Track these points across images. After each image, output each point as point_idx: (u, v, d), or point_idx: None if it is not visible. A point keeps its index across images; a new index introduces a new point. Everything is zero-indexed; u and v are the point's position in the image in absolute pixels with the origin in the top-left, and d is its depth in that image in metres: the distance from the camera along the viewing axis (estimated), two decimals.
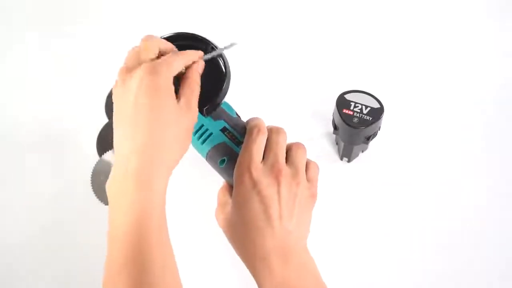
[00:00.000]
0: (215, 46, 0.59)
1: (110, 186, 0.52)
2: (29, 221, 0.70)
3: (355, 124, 0.67)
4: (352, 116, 0.68)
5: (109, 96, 0.81)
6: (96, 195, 0.73)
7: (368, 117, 0.68)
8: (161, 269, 0.49)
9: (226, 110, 0.61)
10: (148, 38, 0.55)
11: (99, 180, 0.74)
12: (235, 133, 0.59)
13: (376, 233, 0.70)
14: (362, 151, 0.76)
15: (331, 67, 0.84)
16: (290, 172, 0.55)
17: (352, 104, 0.69)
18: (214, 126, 0.59)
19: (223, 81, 0.58)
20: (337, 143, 0.76)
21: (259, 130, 0.56)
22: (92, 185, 0.74)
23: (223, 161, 0.58)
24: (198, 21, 0.89)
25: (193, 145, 0.62)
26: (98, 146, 0.78)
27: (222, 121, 0.60)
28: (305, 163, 0.57)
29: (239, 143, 0.58)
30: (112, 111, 0.80)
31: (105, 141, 0.78)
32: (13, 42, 0.88)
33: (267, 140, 0.56)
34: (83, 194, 0.73)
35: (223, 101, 0.60)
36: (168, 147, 0.51)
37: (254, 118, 0.58)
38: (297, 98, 0.81)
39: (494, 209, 0.72)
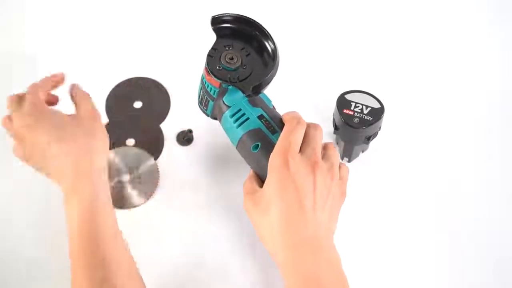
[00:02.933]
0: (272, 38, 0.62)
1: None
2: (28, 221, 0.70)
3: (355, 124, 0.67)
4: (353, 116, 0.68)
5: (109, 96, 0.81)
6: None
7: (368, 117, 0.68)
8: (114, 246, 0.58)
9: (265, 100, 0.62)
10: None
11: None
12: (272, 122, 0.59)
13: (377, 233, 0.70)
14: (363, 151, 0.76)
15: (331, 67, 0.84)
16: (325, 166, 0.56)
17: (353, 104, 0.69)
18: (252, 112, 0.60)
19: (272, 64, 0.61)
20: (337, 143, 0.76)
21: (299, 122, 0.57)
22: None
23: (256, 146, 0.58)
24: (198, 22, 0.89)
25: (226, 129, 0.62)
26: None
27: (260, 109, 0.60)
28: (338, 163, 0.59)
29: (274, 131, 0.58)
30: (112, 111, 0.81)
31: None
32: (12, 38, 0.88)
33: (305, 134, 0.58)
34: None
35: (262, 93, 0.62)
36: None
37: (292, 111, 0.60)
38: (297, 98, 0.80)
39: (494, 209, 0.72)
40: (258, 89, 0.60)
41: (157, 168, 0.73)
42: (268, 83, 0.61)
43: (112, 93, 0.81)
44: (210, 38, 0.64)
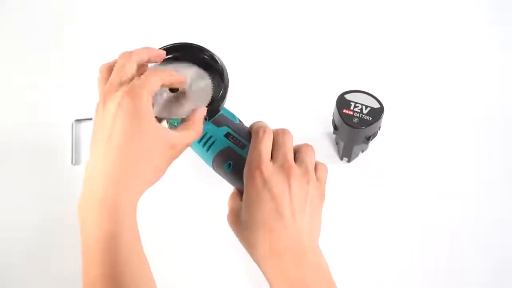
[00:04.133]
0: (216, 57, 0.59)
1: (80, 204, 0.51)
2: (30, 222, 0.70)
3: (355, 124, 0.67)
4: (352, 116, 0.68)
5: None
6: None
7: (368, 117, 0.68)
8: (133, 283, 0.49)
9: (228, 117, 0.62)
10: (123, 57, 0.54)
11: None
12: (239, 137, 0.59)
13: (376, 233, 0.70)
14: (362, 151, 0.76)
15: (331, 67, 0.84)
16: (300, 171, 0.55)
17: (352, 104, 0.69)
18: (218, 132, 0.60)
19: (222, 86, 0.58)
20: (337, 143, 0.76)
21: (264, 130, 0.57)
22: None
23: (229, 165, 0.58)
24: (197, 22, 0.89)
25: (199, 154, 0.62)
26: None
27: (225, 127, 0.60)
28: (314, 163, 0.57)
29: (243, 146, 0.58)
30: None
31: None
32: (12, 38, 0.88)
33: (274, 141, 0.57)
34: None
35: (223, 108, 0.60)
36: (139, 172, 0.51)
37: (257, 121, 0.59)
38: (297, 98, 0.81)
39: (494, 209, 0.72)
40: (213, 112, 0.58)
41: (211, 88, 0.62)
42: (221, 103, 0.58)
43: None
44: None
